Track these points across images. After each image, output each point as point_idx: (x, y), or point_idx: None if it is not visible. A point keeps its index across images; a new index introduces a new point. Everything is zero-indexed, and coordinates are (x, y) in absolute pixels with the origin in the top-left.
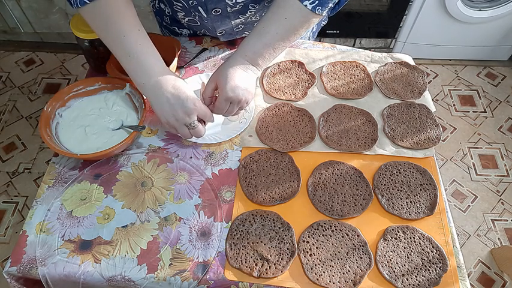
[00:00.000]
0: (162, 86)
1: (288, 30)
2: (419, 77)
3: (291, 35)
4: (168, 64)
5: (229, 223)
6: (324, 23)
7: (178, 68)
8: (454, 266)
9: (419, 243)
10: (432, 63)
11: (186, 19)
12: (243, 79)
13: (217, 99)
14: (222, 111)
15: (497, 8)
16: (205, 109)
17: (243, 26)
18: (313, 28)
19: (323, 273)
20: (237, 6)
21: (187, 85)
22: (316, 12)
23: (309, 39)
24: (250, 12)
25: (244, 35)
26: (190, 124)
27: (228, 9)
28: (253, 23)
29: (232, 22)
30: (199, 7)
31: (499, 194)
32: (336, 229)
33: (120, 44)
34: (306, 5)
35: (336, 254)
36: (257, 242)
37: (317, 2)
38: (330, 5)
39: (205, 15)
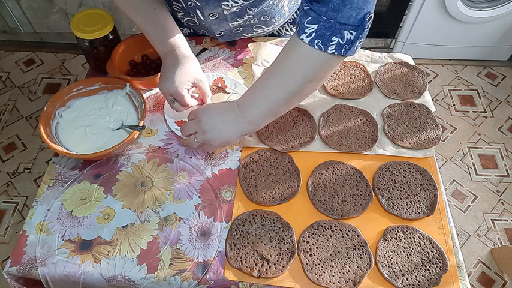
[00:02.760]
0: (173, 58)
1: (279, 75)
2: (419, 77)
3: (283, 83)
4: None
5: (229, 223)
6: None
7: None
8: (454, 265)
9: (419, 243)
10: (432, 63)
11: (186, 19)
12: (222, 124)
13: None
14: (186, 132)
15: (497, 8)
16: (183, 96)
17: (241, 29)
18: None
19: (323, 273)
20: (234, 9)
21: (191, 68)
22: (315, 47)
23: None
24: (248, 15)
25: (243, 37)
26: (168, 100)
27: (225, 12)
28: (251, 25)
29: (230, 24)
30: (196, 9)
31: (499, 194)
32: (336, 229)
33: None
34: (302, 39)
35: (336, 254)
36: (257, 242)
37: (314, 34)
38: (336, 39)
39: (202, 18)
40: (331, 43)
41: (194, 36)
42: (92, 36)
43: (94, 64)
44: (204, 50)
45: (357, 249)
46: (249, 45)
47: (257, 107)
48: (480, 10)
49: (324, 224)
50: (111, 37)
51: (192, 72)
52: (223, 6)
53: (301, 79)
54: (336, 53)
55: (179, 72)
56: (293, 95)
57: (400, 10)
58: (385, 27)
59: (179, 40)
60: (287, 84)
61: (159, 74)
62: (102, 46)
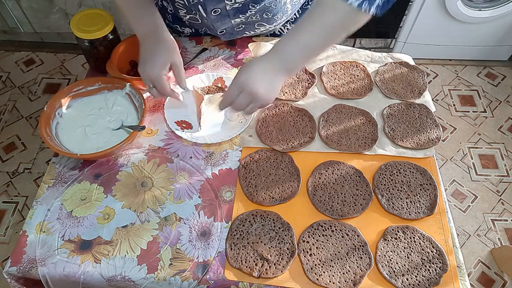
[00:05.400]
0: (152, 41)
1: (325, 32)
2: (419, 77)
3: (328, 38)
4: None
5: (229, 223)
6: None
7: None
8: (454, 265)
9: (419, 243)
10: (432, 63)
11: (188, 17)
12: (263, 74)
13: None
14: (230, 97)
15: (497, 8)
16: (163, 83)
17: (243, 26)
18: None
19: (323, 273)
20: (236, 4)
21: (171, 51)
22: (363, 10)
23: None
24: (250, 12)
25: (245, 35)
26: (147, 84)
27: (228, 7)
28: (254, 23)
29: (233, 21)
30: (199, 6)
31: (499, 194)
32: (336, 229)
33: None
34: (351, 3)
35: (336, 254)
36: (257, 242)
37: None
38: (378, 1)
39: (205, 15)
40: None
41: (195, 36)
42: (92, 36)
43: (94, 64)
44: (204, 50)
45: (357, 249)
46: (249, 45)
47: (303, 64)
48: (480, 10)
49: (324, 224)
50: (111, 37)
51: (170, 56)
52: (226, 1)
53: (342, 33)
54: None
55: (158, 56)
56: (330, 44)
57: (400, 10)
58: (385, 27)
59: (158, 23)
60: (335, 38)
61: None
62: (102, 46)
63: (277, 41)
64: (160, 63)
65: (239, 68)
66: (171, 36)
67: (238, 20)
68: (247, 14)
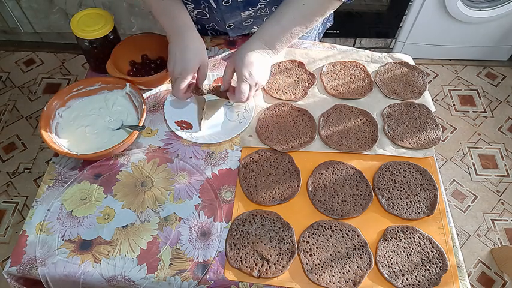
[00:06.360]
0: (182, 42)
1: (305, 15)
2: (419, 77)
3: (307, 21)
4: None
5: (229, 223)
6: (329, 24)
7: None
8: (454, 265)
9: (419, 243)
10: (432, 63)
11: (195, 12)
12: (259, 62)
13: (237, 84)
14: (244, 94)
15: (497, 8)
16: (181, 85)
17: (252, 20)
18: (318, 28)
19: (323, 273)
20: None
21: (199, 54)
22: None
23: (315, 40)
24: (260, 4)
25: (253, 30)
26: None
27: None
28: (262, 17)
29: (242, 14)
30: None
31: (499, 194)
32: (336, 229)
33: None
34: None
35: (336, 254)
36: (257, 242)
37: None
38: None
39: (216, 6)
40: None
41: (201, 34)
42: (92, 36)
43: (94, 64)
44: None
45: (357, 249)
46: None
47: (286, 43)
48: (480, 10)
49: (324, 224)
50: (111, 37)
51: (200, 57)
52: None
53: (319, 18)
54: None
55: (188, 57)
56: (310, 26)
57: (400, 10)
58: (385, 27)
59: (188, 21)
60: (311, 22)
61: (159, 74)
62: (102, 46)
63: (261, 26)
64: (191, 64)
65: (230, 59)
66: (199, 35)
67: (247, 13)
68: (257, 7)
